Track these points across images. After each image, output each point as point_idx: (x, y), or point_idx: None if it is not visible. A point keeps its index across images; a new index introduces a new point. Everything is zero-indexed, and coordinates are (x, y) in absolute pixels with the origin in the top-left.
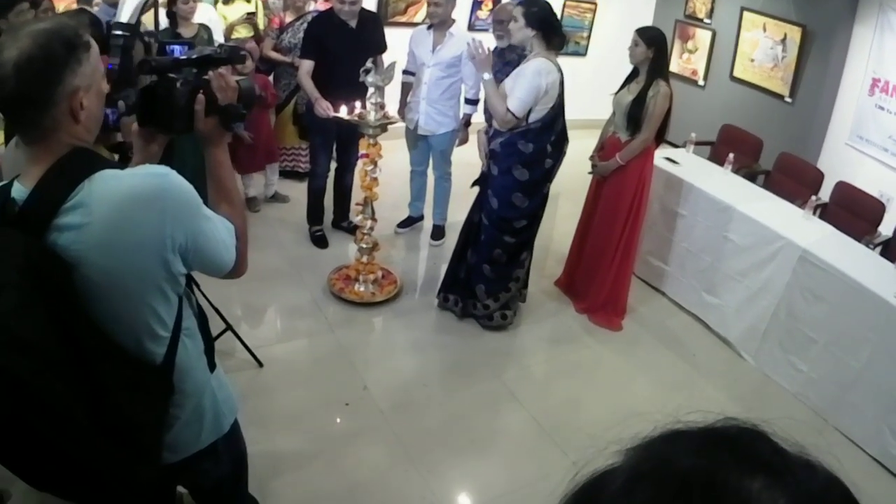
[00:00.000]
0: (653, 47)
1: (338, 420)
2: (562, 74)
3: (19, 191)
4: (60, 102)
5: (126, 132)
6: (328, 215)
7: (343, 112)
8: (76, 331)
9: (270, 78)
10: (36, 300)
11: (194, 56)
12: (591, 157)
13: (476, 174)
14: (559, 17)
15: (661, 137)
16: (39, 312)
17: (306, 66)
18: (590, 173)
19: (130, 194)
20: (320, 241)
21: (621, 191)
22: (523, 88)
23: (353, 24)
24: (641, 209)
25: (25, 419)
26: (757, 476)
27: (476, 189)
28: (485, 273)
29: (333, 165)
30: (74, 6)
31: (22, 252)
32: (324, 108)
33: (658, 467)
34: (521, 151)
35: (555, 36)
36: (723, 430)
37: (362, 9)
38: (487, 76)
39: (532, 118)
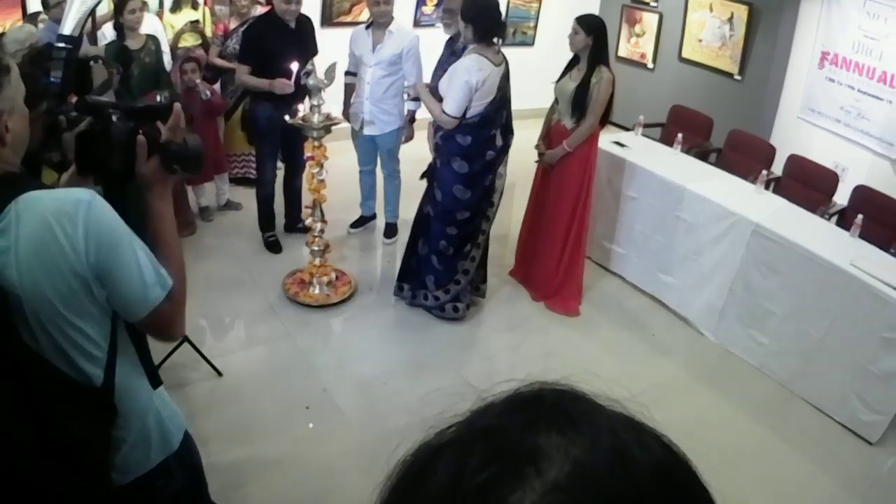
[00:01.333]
0: (592, 34)
1: (299, 425)
2: (506, 67)
3: None
4: None
5: (68, 148)
6: (280, 220)
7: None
8: (15, 355)
9: (217, 85)
10: None
11: (139, 106)
12: (537, 146)
13: (424, 169)
14: (505, 7)
15: (604, 121)
16: None
17: (243, 69)
18: (536, 162)
19: (50, 215)
20: (273, 247)
21: (569, 177)
22: (454, 88)
23: (292, 24)
24: (590, 193)
25: None
26: (552, 432)
27: (425, 181)
28: (433, 264)
29: (282, 171)
30: (20, 23)
31: None
32: (282, 85)
33: (461, 433)
34: (460, 144)
35: (488, 30)
36: (526, 394)
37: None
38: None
39: (469, 114)
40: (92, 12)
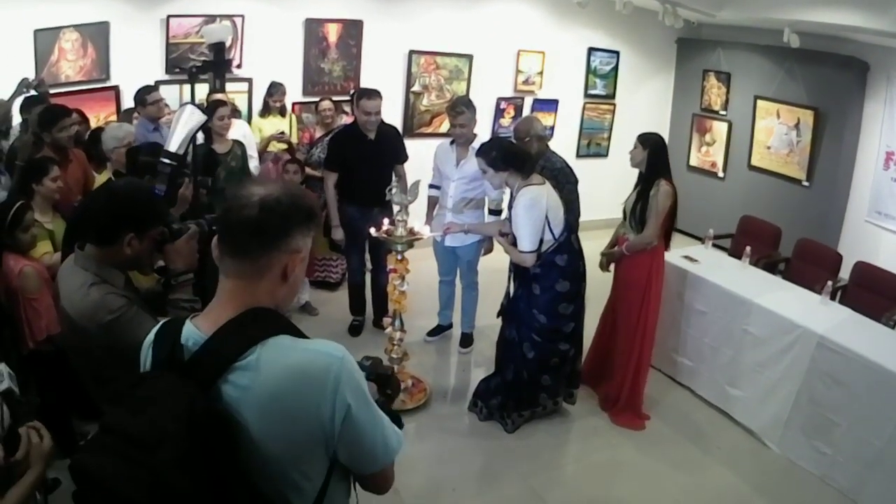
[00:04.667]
0: (647, 149)
1: None
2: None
3: (193, 335)
4: (281, 252)
5: (169, 258)
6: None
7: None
8: (228, 482)
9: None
10: (195, 454)
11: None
12: (602, 253)
13: (502, 279)
14: (580, 119)
15: (668, 237)
16: (197, 466)
17: (332, 178)
18: (600, 265)
19: (299, 370)
20: (354, 331)
21: (632, 291)
22: (525, 228)
23: (371, 136)
24: (654, 307)
25: None
26: None
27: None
28: (544, 383)
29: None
30: (113, 118)
31: (186, 404)
32: (339, 237)
33: None
34: (560, 266)
35: (524, 163)
36: None
37: (382, 123)
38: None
39: (557, 233)
40: (197, 131)
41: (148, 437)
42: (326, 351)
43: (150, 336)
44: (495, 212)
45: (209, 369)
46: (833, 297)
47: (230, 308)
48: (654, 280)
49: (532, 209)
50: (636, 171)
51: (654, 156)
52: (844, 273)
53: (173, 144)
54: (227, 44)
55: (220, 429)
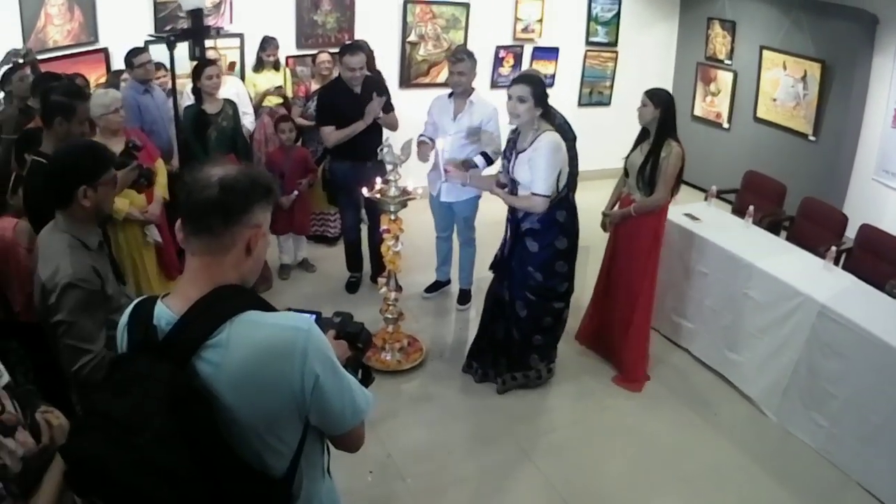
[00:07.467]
0: (660, 107)
1: (362, 490)
2: (560, 126)
3: (165, 315)
4: (244, 228)
5: None
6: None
7: (365, 191)
8: (211, 453)
9: (299, 143)
10: (177, 430)
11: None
12: (604, 213)
13: (501, 233)
14: (581, 67)
15: (672, 195)
16: (181, 442)
17: (327, 130)
18: (602, 225)
19: (267, 345)
20: (351, 287)
21: (637, 249)
22: (546, 168)
23: (357, 89)
24: (656, 267)
25: None
26: None
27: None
28: (535, 343)
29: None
30: (103, 80)
31: (166, 383)
32: (373, 111)
33: None
34: (560, 222)
35: (548, 112)
36: None
37: (372, 73)
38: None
39: (562, 185)
40: None
41: (131, 419)
42: (292, 325)
43: (124, 318)
44: (486, 156)
45: (183, 349)
46: (837, 261)
47: (198, 286)
48: (658, 241)
49: (557, 152)
50: (639, 121)
51: (665, 114)
52: (850, 232)
53: None
54: (206, 9)
55: (198, 406)
